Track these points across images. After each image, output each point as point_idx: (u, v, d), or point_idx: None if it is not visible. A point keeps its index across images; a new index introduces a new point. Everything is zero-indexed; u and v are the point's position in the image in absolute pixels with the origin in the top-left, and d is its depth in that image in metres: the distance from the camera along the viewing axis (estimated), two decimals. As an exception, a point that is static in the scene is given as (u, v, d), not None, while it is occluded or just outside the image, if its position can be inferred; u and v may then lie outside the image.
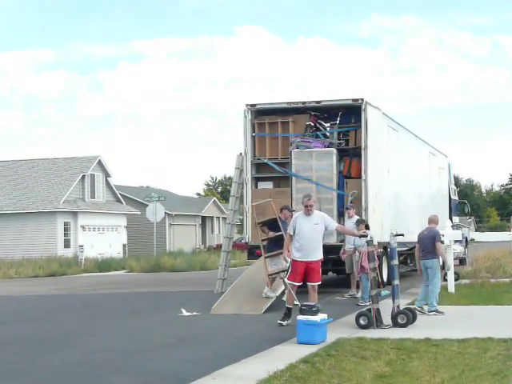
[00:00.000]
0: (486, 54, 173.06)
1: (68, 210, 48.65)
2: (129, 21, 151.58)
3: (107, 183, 54.37)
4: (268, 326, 14.15)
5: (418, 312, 14.31)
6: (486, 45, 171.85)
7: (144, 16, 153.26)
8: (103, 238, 51.21)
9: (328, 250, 20.08)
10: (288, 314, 13.92)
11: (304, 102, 21.84)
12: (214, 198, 78.51)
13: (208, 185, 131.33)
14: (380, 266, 19.25)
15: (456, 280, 20.42)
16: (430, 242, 15.56)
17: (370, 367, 9.47)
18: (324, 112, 22.37)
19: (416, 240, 16.26)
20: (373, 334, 12.27)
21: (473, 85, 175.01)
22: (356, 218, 19.56)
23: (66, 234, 48.89)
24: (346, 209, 20.02)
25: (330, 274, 24.22)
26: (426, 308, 15.33)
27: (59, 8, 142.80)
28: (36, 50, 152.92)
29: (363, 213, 20.65)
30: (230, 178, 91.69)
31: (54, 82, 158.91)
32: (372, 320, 13.07)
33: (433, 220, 16.20)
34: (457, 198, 35.50)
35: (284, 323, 13.88)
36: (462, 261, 32.74)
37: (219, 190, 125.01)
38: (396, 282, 13.80)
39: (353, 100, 21.18)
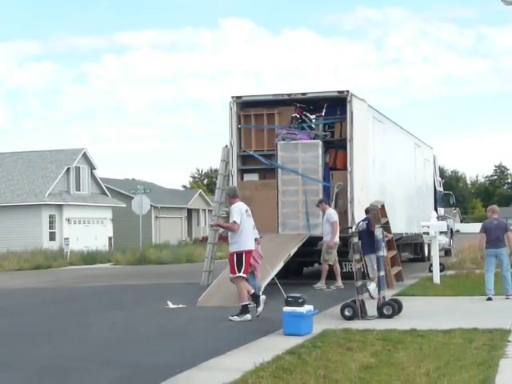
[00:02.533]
0: (470, 45, 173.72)
1: (53, 202, 48.48)
2: (114, 12, 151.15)
3: (92, 176, 54.20)
4: (253, 317, 14.15)
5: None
6: (471, 37, 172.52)
7: (129, 8, 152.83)
8: (89, 231, 51.08)
9: (314, 241, 20.21)
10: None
11: (290, 94, 21.86)
12: (200, 190, 78.41)
13: (194, 177, 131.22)
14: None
15: (441, 271, 20.52)
16: (502, 232, 16.55)
17: (355, 358, 9.49)
18: (310, 104, 22.40)
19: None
20: (359, 325, 12.30)
21: (457, 76, 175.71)
22: (330, 210, 19.65)
23: (51, 227, 48.73)
24: (320, 202, 19.99)
25: (316, 265, 24.22)
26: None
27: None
28: (21, 41, 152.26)
29: (349, 204, 20.72)
30: (215, 171, 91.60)
31: (39, 74, 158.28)
32: (357, 311, 13.10)
33: (497, 210, 17.20)
34: (442, 189, 35.63)
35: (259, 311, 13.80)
36: (447, 252, 32.88)
37: (205, 182, 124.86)
38: (382, 273, 13.84)
39: (338, 92, 21.21)
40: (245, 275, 13.99)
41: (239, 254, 13.91)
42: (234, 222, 13.84)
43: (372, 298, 15.80)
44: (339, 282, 19.53)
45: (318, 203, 20.14)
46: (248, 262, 14.02)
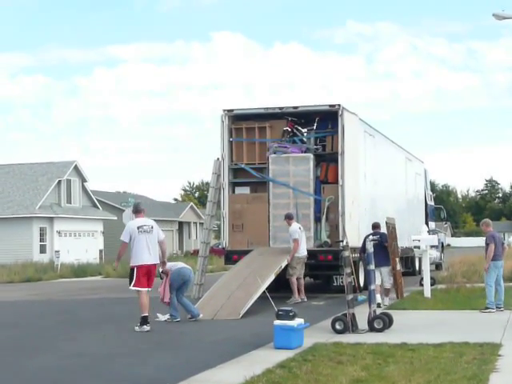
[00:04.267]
0: (460, 60, 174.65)
1: (44, 215, 48.36)
2: (105, 25, 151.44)
3: (83, 188, 54.11)
4: (245, 330, 14.15)
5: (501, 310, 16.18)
6: (461, 51, 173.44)
7: (120, 21, 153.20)
8: (79, 244, 50.95)
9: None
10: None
11: (281, 108, 21.89)
12: (191, 203, 78.44)
13: (185, 190, 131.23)
14: (357, 271, 19.34)
15: (432, 285, 20.52)
16: (501, 244, 17.10)
17: (346, 372, 9.48)
18: (301, 117, 22.42)
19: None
20: (349, 338, 12.29)
21: (447, 91, 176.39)
22: (295, 224, 19.66)
23: (41, 240, 48.59)
24: (285, 217, 20.04)
25: (307, 279, 24.21)
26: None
27: (36, 12, 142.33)
28: (12, 54, 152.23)
29: (340, 218, 20.72)
30: (207, 184, 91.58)
31: (30, 86, 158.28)
32: (348, 325, 13.09)
33: (491, 224, 17.45)
34: (433, 203, 35.68)
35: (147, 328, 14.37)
36: (438, 266, 32.93)
37: (196, 195, 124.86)
38: (372, 286, 13.85)
39: (330, 106, 21.25)
40: (137, 288, 14.56)
41: (132, 269, 14.63)
42: (121, 240, 14.64)
43: (381, 306, 17.22)
44: (296, 296, 19.48)
45: (284, 217, 20.14)
46: (140, 275, 14.49)
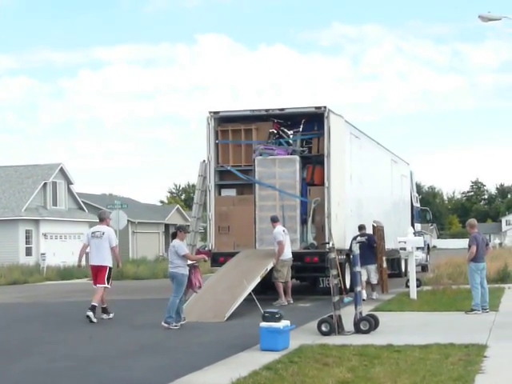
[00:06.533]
0: (446, 62, 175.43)
1: (30, 217, 48.21)
2: (90, 27, 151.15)
3: (69, 191, 53.95)
4: (231, 333, 14.14)
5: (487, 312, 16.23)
6: (447, 53, 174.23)
7: (105, 23, 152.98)
8: (65, 246, 50.72)
9: (292, 256, 20.19)
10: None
11: (267, 110, 21.90)
12: (178, 205, 78.27)
13: (171, 192, 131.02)
14: (343, 273, 19.36)
15: (418, 287, 20.57)
16: (485, 246, 17.15)
17: (332, 374, 9.49)
18: (287, 119, 22.43)
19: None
20: (335, 340, 12.31)
21: (433, 93, 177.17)
22: (279, 227, 19.63)
23: (27, 242, 48.41)
24: (272, 221, 20.00)
25: (293, 280, 24.21)
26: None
27: (20, 14, 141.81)
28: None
29: (326, 220, 20.73)
30: (193, 186, 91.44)
31: (16, 88, 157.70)
32: (334, 327, 13.11)
33: (476, 225, 17.43)
34: (419, 205, 35.75)
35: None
36: (423, 267, 33.01)
37: (183, 197, 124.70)
38: (358, 288, 13.87)
39: (316, 108, 21.26)
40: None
41: None
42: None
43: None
44: (282, 299, 19.41)
45: (272, 219, 20.10)
46: (92, 274, 17.37)
